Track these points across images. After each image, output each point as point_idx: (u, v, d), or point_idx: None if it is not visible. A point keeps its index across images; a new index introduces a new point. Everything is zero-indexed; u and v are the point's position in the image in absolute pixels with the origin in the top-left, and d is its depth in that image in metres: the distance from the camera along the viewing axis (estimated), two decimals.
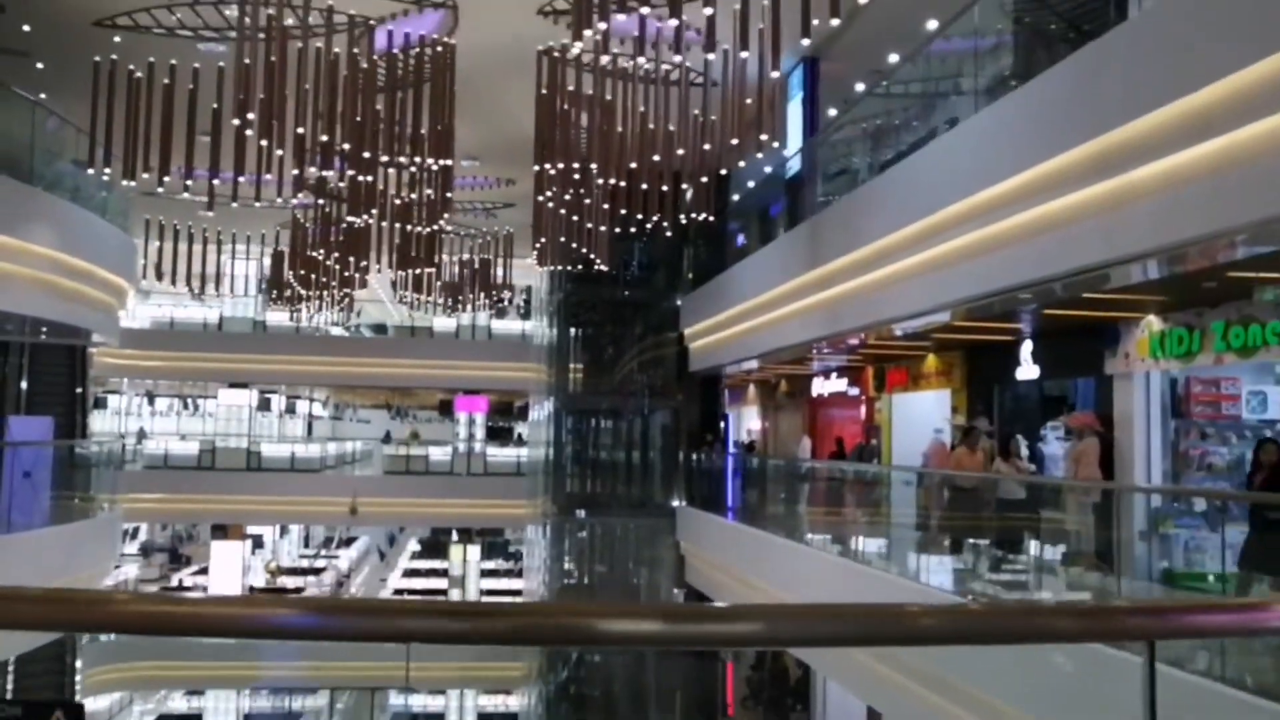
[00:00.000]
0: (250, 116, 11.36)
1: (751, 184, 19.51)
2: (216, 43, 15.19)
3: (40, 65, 16.55)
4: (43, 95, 16.53)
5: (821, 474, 16.52)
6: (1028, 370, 13.96)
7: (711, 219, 15.02)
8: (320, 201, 18.52)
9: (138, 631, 1.97)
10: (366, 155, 12.97)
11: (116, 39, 15.17)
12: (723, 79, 12.26)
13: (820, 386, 19.68)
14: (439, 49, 13.00)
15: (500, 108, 18.10)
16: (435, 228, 15.70)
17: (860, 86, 16.34)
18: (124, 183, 15.09)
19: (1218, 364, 11.22)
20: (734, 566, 17.40)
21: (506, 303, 22.74)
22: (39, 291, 13.67)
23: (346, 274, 18.96)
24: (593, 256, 17.07)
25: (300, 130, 12.25)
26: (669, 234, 16.46)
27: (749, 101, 12.17)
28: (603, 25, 9.29)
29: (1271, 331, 10.21)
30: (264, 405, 31.28)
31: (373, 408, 37.86)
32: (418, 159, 13.98)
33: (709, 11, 9.26)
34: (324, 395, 36.84)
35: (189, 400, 33.38)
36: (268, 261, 27.35)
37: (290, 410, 34.35)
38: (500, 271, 22.13)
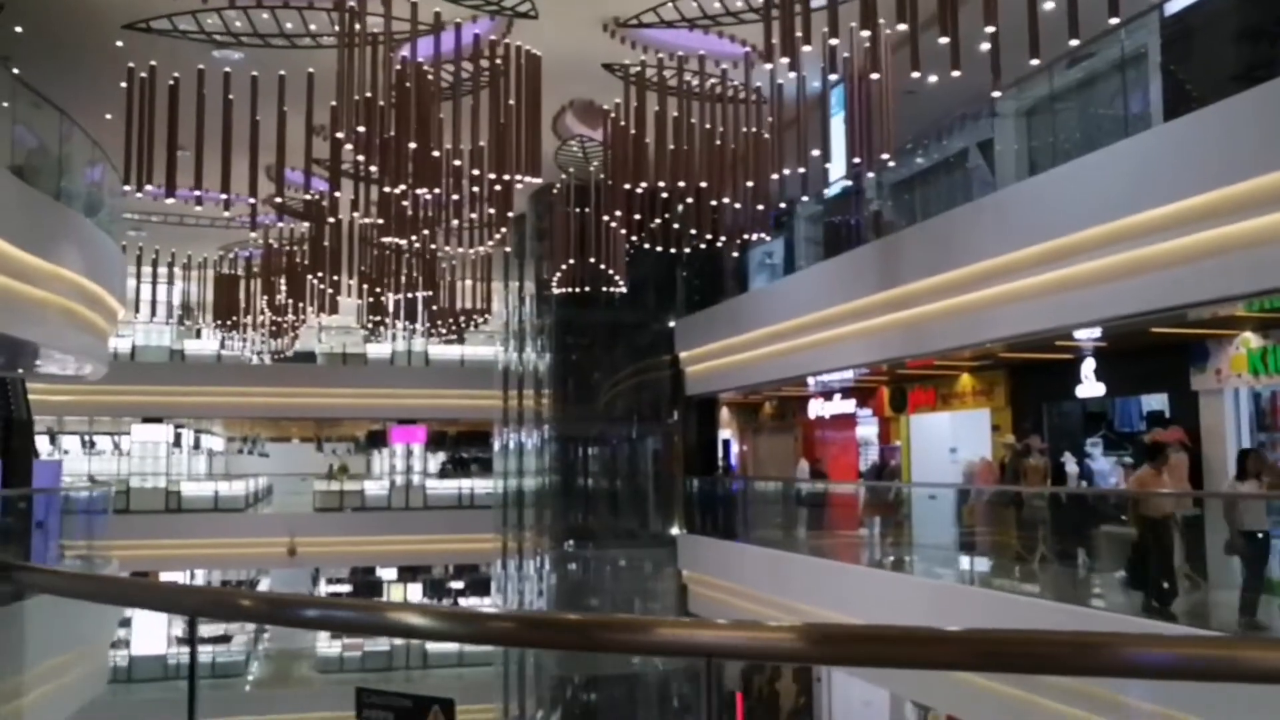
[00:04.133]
0: (339, 135, 10.46)
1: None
2: (234, 49, 14.06)
3: (16, 71, 14.96)
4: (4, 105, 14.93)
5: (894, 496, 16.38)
6: (1090, 388, 14.16)
7: (766, 238, 14.78)
8: (309, 224, 17.40)
9: None
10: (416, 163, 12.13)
11: (119, 44, 13.87)
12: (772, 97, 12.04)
13: (819, 408, 19.59)
14: (522, 59, 12.27)
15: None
16: (483, 248, 14.86)
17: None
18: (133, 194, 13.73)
19: None
20: (754, 591, 17.10)
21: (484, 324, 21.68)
22: (60, 318, 12.22)
23: (333, 296, 17.78)
24: (616, 278, 16.60)
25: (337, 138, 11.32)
26: (667, 254, 16.17)
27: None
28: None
29: None
30: (176, 441, 29.03)
31: (274, 440, 35.71)
32: (476, 172, 13.20)
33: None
34: (222, 430, 34.56)
35: (86, 438, 30.63)
36: (181, 285, 25.53)
37: (196, 446, 32.01)
38: (473, 294, 21.23)
